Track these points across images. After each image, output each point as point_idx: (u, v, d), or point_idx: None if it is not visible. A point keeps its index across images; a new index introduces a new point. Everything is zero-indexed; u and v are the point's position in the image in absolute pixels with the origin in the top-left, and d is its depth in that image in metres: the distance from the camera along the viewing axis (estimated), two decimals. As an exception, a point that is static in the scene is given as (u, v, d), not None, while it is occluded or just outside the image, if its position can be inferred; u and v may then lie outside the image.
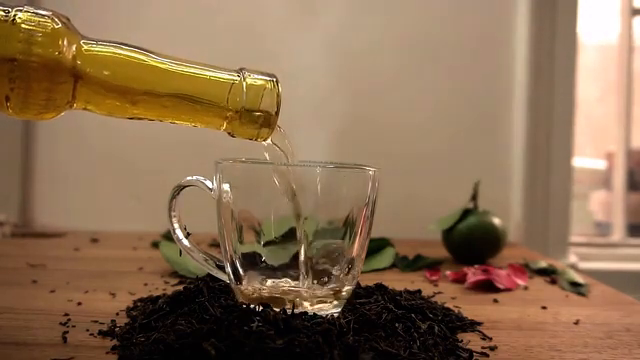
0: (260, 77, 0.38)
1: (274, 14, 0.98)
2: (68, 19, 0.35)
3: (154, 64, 0.36)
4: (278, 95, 0.38)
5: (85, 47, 0.35)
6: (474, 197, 0.76)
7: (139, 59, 0.36)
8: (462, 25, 1.00)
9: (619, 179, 1.22)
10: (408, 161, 0.98)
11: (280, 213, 0.39)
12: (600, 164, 1.42)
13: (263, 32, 0.98)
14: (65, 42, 0.34)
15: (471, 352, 0.37)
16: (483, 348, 0.39)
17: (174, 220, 0.43)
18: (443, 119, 1.00)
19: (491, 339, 0.41)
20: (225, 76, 0.37)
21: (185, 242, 0.43)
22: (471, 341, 0.41)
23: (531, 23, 0.99)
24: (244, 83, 0.37)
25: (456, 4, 1.00)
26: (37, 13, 0.33)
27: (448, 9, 1.00)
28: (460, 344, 0.39)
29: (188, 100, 0.37)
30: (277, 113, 0.38)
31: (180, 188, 0.42)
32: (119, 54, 0.35)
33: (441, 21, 1.00)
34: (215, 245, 0.78)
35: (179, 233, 0.43)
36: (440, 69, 1.00)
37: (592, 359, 0.38)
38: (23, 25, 0.33)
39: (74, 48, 0.34)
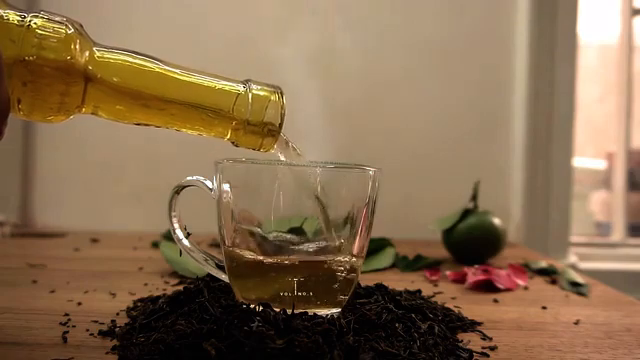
0: (265, 88, 0.39)
1: (272, 17, 0.98)
2: (81, 25, 0.36)
3: (163, 72, 0.37)
4: (282, 107, 0.38)
5: (97, 54, 0.35)
6: (474, 197, 0.76)
7: (149, 67, 0.36)
8: (462, 26, 1.00)
9: (619, 179, 1.22)
10: (408, 161, 0.98)
11: (280, 213, 0.39)
12: (600, 164, 1.42)
13: (262, 33, 0.98)
14: (78, 48, 0.34)
15: (471, 352, 0.37)
16: (483, 348, 0.39)
17: (174, 220, 0.43)
18: (443, 119, 1.00)
19: (491, 339, 0.42)
20: (231, 86, 0.38)
21: (185, 242, 0.43)
22: (471, 341, 0.41)
23: (531, 23, 0.99)
24: (250, 94, 0.38)
25: (456, 5, 1.00)
26: (52, 19, 0.34)
27: (448, 10, 1.00)
28: (460, 344, 0.39)
29: (194, 109, 0.37)
30: (281, 124, 0.38)
31: (180, 188, 0.42)
32: (130, 62, 0.36)
33: (441, 22, 1.00)
34: (215, 245, 0.78)
35: (179, 233, 0.43)
36: (440, 69, 1.00)
37: (592, 359, 0.38)
38: (38, 30, 0.33)
39: (87, 54, 0.35)
